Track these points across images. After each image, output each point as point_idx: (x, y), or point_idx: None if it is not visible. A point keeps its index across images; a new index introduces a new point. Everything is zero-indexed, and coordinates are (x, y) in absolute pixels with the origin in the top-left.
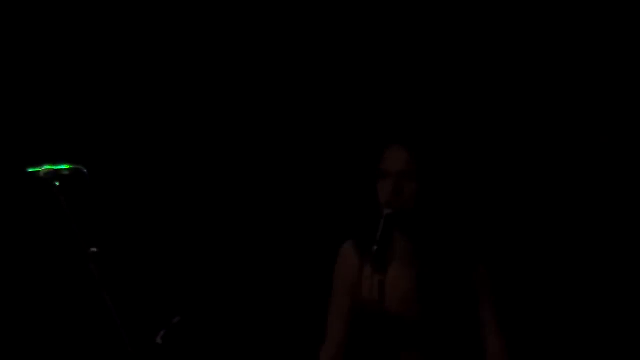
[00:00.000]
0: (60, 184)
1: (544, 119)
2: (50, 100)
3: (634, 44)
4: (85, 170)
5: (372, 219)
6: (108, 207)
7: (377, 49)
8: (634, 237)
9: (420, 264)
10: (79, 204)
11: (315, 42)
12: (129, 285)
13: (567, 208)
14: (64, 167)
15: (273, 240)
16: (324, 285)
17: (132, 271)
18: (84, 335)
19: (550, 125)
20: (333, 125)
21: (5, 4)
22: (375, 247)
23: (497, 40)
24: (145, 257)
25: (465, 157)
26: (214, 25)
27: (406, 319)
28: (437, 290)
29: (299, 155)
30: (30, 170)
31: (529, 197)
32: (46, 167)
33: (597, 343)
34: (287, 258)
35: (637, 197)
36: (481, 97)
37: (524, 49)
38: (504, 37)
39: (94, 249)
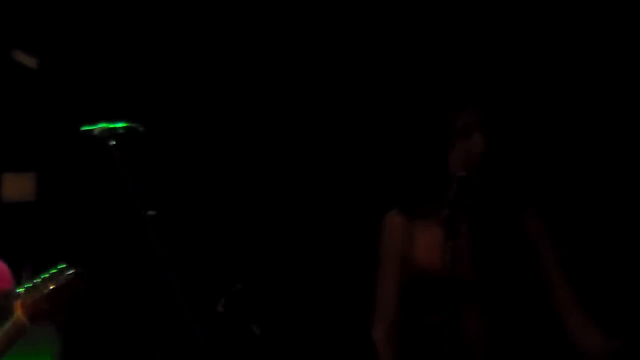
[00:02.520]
0: (115, 142)
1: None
2: (105, 56)
3: None
4: (141, 129)
5: (420, 183)
6: (166, 167)
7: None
8: None
9: (475, 222)
10: (135, 164)
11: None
12: (189, 250)
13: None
14: (119, 125)
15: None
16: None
17: (191, 235)
18: (141, 302)
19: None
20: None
21: None
22: (448, 211)
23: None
24: (206, 220)
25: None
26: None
27: (466, 280)
28: (493, 248)
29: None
30: (84, 128)
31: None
32: (101, 125)
33: None
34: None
35: None
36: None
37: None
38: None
39: (151, 212)
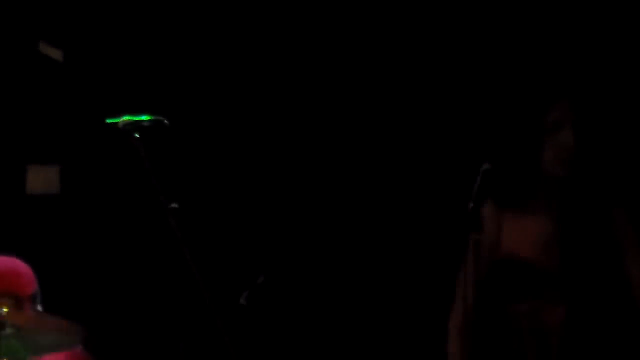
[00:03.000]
0: (140, 135)
1: None
2: (130, 49)
3: None
4: (166, 121)
5: (514, 175)
6: (190, 160)
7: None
8: None
9: (561, 213)
10: (159, 157)
11: None
12: (212, 243)
13: None
14: (144, 118)
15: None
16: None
17: (214, 228)
18: (164, 294)
19: None
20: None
21: None
22: (472, 205)
23: None
24: (229, 213)
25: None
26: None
27: (550, 271)
28: (579, 241)
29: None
30: (109, 121)
31: None
32: (126, 117)
33: None
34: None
35: None
36: None
37: None
38: None
39: (174, 205)
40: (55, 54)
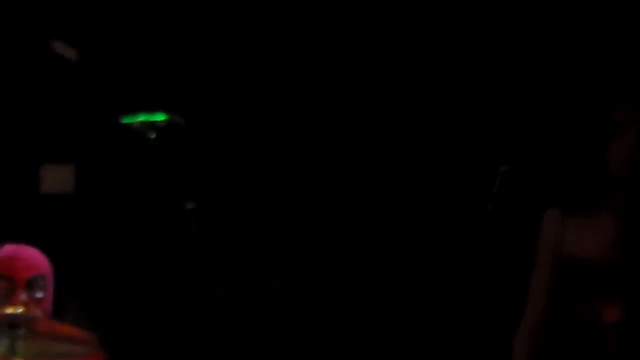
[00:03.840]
0: (155, 135)
1: None
2: (145, 47)
3: None
4: (182, 121)
5: (580, 179)
6: (206, 160)
7: None
8: None
9: (624, 213)
10: (175, 157)
11: None
12: (228, 244)
13: None
14: (159, 117)
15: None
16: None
17: (231, 229)
18: (180, 293)
19: None
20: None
21: None
22: (490, 207)
23: None
24: (246, 213)
25: None
26: None
27: (607, 269)
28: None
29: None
30: (124, 120)
31: None
32: (141, 117)
33: None
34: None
35: None
36: None
37: None
38: None
39: (191, 205)
40: (70, 53)
